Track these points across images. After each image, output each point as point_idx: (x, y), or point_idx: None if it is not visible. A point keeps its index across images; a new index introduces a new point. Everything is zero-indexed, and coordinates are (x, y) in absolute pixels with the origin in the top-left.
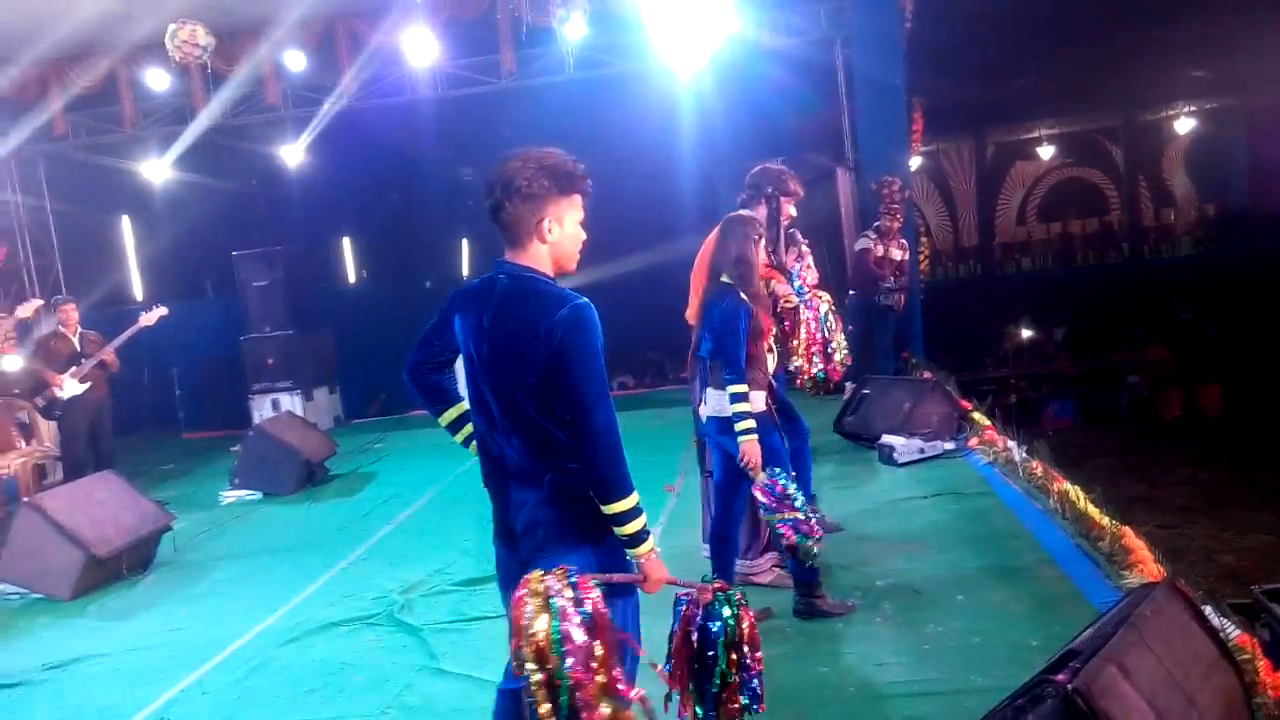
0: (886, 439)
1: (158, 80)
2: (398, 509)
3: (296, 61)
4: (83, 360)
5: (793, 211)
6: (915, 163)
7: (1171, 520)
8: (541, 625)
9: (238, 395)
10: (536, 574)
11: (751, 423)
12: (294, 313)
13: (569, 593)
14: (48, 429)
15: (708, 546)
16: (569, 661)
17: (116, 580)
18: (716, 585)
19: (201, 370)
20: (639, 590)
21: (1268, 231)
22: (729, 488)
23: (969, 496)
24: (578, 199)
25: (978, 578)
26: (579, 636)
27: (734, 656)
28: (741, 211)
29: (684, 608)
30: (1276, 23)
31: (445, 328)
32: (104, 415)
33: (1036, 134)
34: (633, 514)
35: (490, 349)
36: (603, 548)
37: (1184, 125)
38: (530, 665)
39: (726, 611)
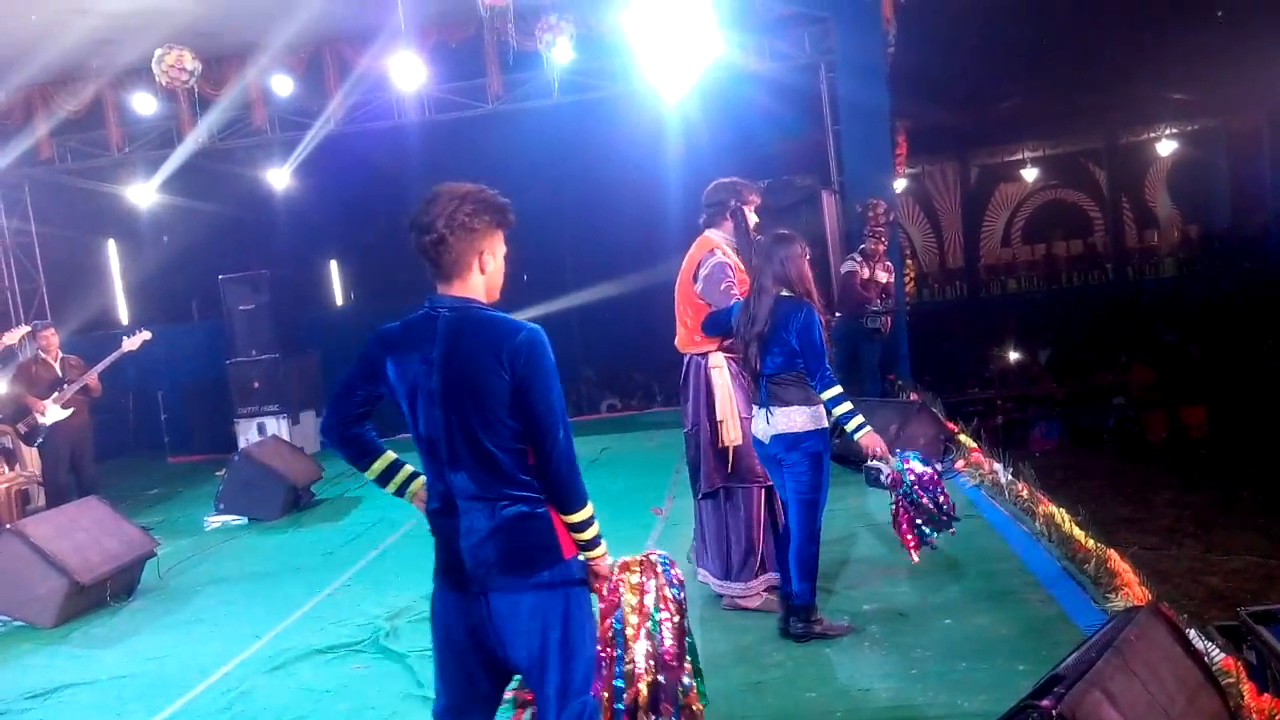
0: (873, 462)
1: (144, 104)
2: (384, 534)
3: (284, 86)
4: (65, 385)
5: (755, 218)
6: (900, 185)
7: (1158, 542)
8: (634, 606)
9: (223, 419)
10: (633, 560)
11: (861, 418)
12: (280, 336)
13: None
14: (30, 455)
15: (701, 570)
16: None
17: (100, 607)
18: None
19: (187, 394)
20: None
21: (1250, 252)
22: (809, 501)
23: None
24: (502, 234)
25: (964, 601)
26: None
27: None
28: (781, 231)
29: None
30: (1257, 45)
31: (371, 374)
32: (86, 441)
33: (1020, 156)
34: (591, 521)
35: (443, 381)
36: (556, 569)
37: (1166, 147)
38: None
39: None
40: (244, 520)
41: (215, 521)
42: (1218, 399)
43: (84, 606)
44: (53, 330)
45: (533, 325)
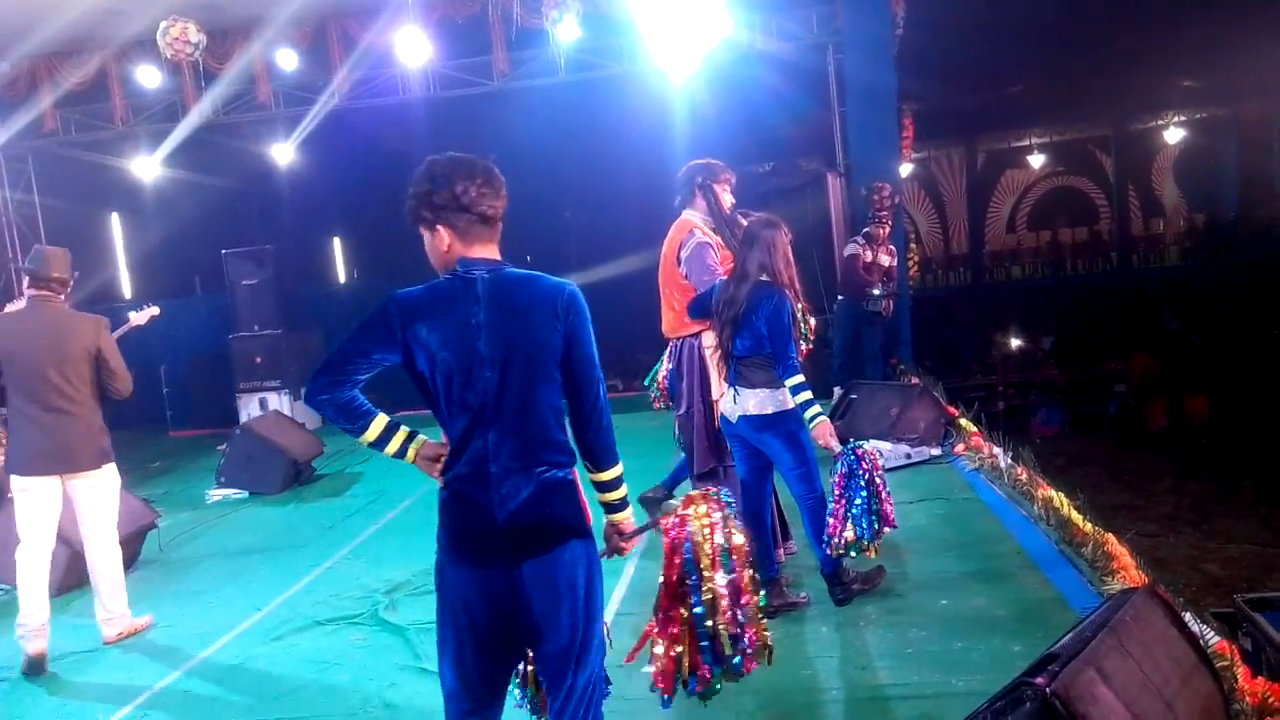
0: (873, 444)
1: (149, 77)
2: (384, 509)
3: (288, 60)
4: None
5: (731, 197)
6: (906, 169)
7: (1157, 529)
8: (706, 536)
9: (225, 394)
10: (696, 494)
11: (819, 407)
12: (283, 312)
13: (724, 512)
14: None
15: None
16: (734, 570)
17: None
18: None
19: (189, 368)
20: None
21: (1256, 242)
22: (758, 484)
23: (954, 502)
24: None
25: (961, 582)
26: (739, 541)
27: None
28: (767, 216)
29: (669, 535)
30: (1267, 34)
31: (388, 341)
32: None
33: (1027, 142)
34: (623, 479)
35: (497, 342)
36: (586, 537)
37: (1174, 135)
38: (705, 574)
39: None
40: (245, 494)
41: (216, 495)
42: (1219, 388)
43: (85, 576)
44: None
45: (569, 280)
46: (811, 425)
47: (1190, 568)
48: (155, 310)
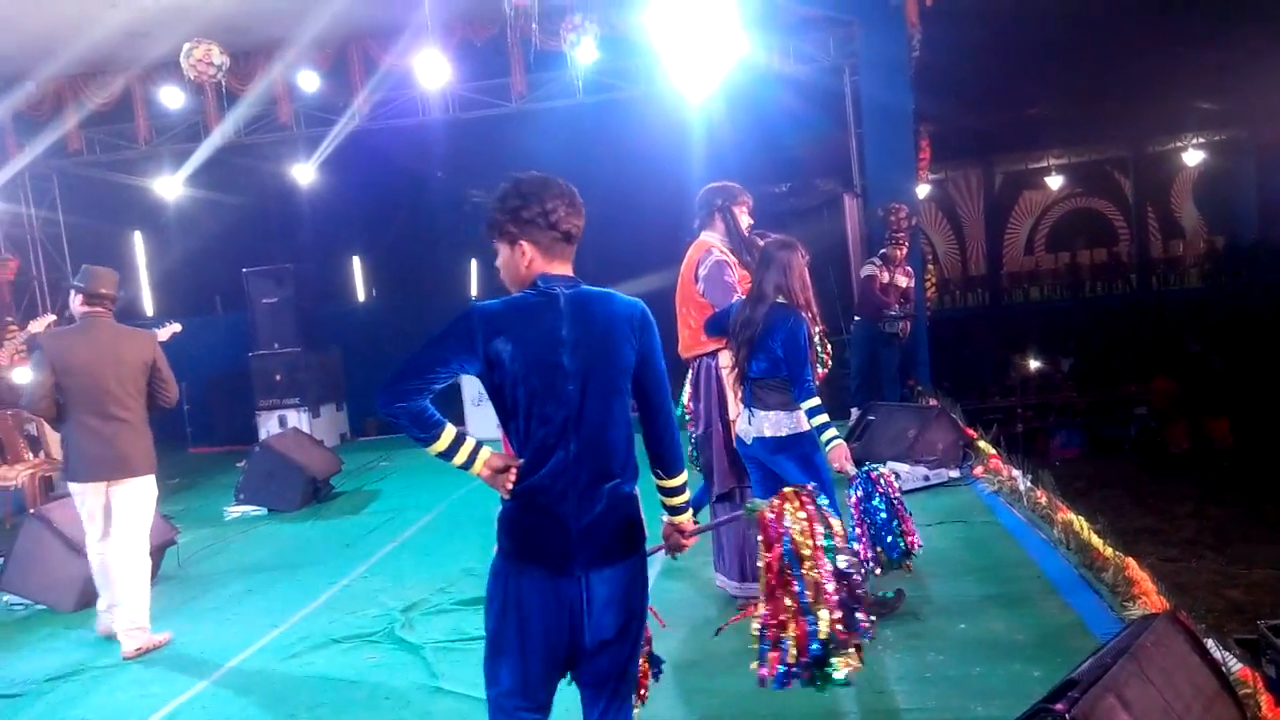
0: (891, 466)
1: (172, 98)
2: (401, 527)
3: (310, 82)
4: None
5: (749, 219)
6: (923, 190)
7: (1178, 553)
8: (805, 529)
9: (245, 411)
10: (789, 491)
11: (835, 430)
12: (303, 330)
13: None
14: (54, 441)
15: (720, 576)
16: (840, 553)
17: None
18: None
19: (209, 385)
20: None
21: (1276, 264)
22: None
23: (973, 525)
24: None
25: (980, 606)
26: (838, 526)
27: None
28: (783, 238)
29: (763, 532)
30: None
31: (468, 351)
32: None
33: (1045, 163)
34: (687, 485)
35: (581, 357)
36: (643, 550)
37: (1193, 157)
38: (807, 566)
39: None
40: (264, 511)
41: (235, 512)
42: (1241, 411)
43: None
44: None
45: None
46: (828, 448)
47: (1213, 593)
48: (177, 327)
